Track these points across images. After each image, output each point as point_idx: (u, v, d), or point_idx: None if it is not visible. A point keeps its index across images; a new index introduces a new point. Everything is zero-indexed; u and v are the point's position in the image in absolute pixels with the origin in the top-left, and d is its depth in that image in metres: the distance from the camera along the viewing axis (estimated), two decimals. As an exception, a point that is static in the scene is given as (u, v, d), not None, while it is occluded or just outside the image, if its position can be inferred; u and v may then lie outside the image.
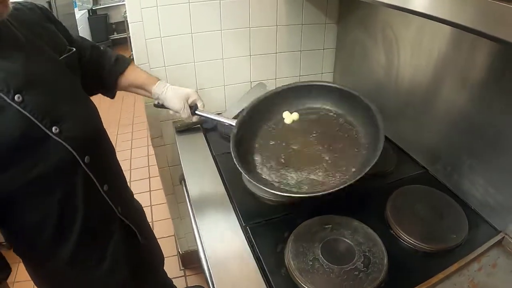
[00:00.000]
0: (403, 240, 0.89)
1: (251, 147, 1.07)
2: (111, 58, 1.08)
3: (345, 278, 0.77)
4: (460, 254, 0.86)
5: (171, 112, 1.12)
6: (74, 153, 0.79)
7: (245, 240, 0.91)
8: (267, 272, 0.82)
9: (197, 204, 1.04)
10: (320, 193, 0.86)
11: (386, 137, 1.31)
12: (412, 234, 0.88)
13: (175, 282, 1.76)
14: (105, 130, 1.00)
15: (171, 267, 2.11)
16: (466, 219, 0.94)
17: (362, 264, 0.80)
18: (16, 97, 0.70)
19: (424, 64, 1.09)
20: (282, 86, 1.15)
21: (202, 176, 1.15)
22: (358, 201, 1.04)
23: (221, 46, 1.40)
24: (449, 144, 1.07)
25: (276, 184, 0.95)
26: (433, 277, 0.78)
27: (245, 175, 0.93)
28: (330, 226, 0.91)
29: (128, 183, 2.85)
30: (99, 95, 1.12)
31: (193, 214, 1.03)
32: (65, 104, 0.81)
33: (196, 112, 1.12)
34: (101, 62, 1.06)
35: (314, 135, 1.07)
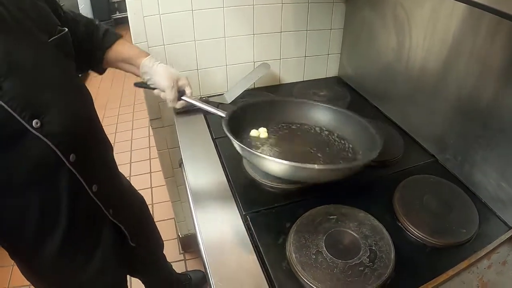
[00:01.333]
0: (411, 234, 0.84)
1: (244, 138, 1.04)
2: (100, 32, 1.00)
3: (350, 273, 0.73)
4: (470, 250, 0.82)
5: (155, 91, 1.02)
6: (57, 151, 0.72)
7: (245, 230, 0.86)
8: (267, 264, 0.78)
9: (195, 190, 1.00)
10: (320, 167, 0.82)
11: (393, 123, 1.28)
12: (421, 227, 0.84)
13: (174, 265, 1.75)
14: (99, 123, 0.93)
15: (171, 251, 2.09)
16: (477, 212, 0.90)
17: (368, 259, 0.76)
18: None
19: (437, 47, 1.03)
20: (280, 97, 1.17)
21: (201, 160, 1.11)
22: (364, 190, 1.00)
23: (223, 24, 1.34)
24: (461, 132, 1.01)
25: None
26: (442, 274, 0.74)
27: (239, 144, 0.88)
28: (335, 217, 0.86)
29: (129, 164, 2.84)
30: (98, 76, 1.06)
31: (191, 199, 0.99)
32: (51, 94, 0.72)
33: (183, 98, 1.02)
34: (91, 37, 0.99)
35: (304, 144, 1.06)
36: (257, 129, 1.08)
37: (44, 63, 0.74)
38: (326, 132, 1.11)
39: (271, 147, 1.04)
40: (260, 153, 0.86)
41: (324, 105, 1.13)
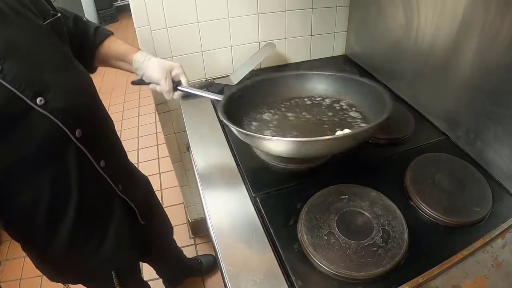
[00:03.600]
0: (424, 213, 0.83)
1: (239, 123, 1.00)
2: (91, 29, 0.98)
3: (363, 254, 0.72)
4: (484, 229, 0.80)
5: (150, 86, 1.00)
6: (63, 127, 0.72)
7: (255, 212, 0.85)
8: (278, 246, 0.77)
9: (203, 173, 0.99)
10: (328, 137, 0.76)
11: (403, 101, 1.25)
12: (434, 206, 0.82)
13: (184, 250, 1.77)
14: (100, 100, 0.92)
15: (181, 236, 2.11)
16: (490, 190, 0.88)
17: (381, 239, 0.75)
18: None
19: (447, 22, 1.00)
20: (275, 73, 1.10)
21: (208, 143, 1.09)
22: (375, 169, 0.98)
23: (226, 4, 1.30)
24: (472, 109, 0.99)
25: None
26: (456, 253, 0.73)
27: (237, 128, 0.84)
28: (347, 196, 0.85)
29: (136, 151, 2.86)
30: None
31: (200, 183, 0.98)
32: (52, 73, 0.72)
33: (179, 87, 0.99)
34: (82, 33, 0.97)
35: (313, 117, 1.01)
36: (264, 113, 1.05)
37: (42, 44, 0.74)
38: (331, 101, 1.07)
39: (279, 127, 1.00)
40: (268, 135, 0.84)
41: (325, 73, 1.09)
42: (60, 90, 0.72)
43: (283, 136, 0.93)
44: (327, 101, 1.07)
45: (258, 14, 1.36)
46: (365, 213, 0.81)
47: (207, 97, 0.98)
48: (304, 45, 1.53)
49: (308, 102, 1.08)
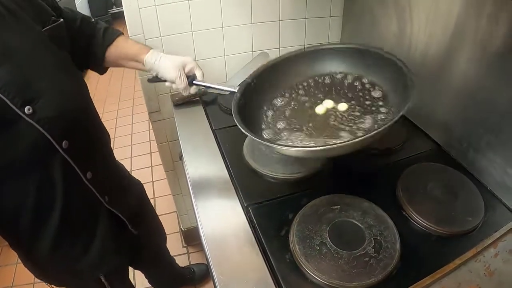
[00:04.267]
0: (416, 223, 0.83)
1: (256, 114, 0.97)
2: (100, 30, 0.98)
3: (355, 264, 0.72)
4: (477, 238, 0.80)
5: (166, 84, 1.01)
6: (49, 137, 0.71)
7: (247, 222, 0.85)
8: (270, 256, 0.77)
9: (196, 182, 0.98)
10: (339, 144, 0.71)
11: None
12: (426, 216, 0.82)
13: (177, 259, 1.75)
14: (94, 110, 0.92)
15: (174, 244, 2.09)
16: (482, 200, 0.88)
17: (373, 249, 0.74)
18: None
19: (440, 31, 1.00)
20: (289, 53, 1.03)
21: (201, 152, 1.09)
22: (367, 179, 0.98)
23: (220, 14, 1.31)
24: (465, 118, 0.99)
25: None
26: (449, 263, 0.73)
27: (251, 136, 0.81)
28: (339, 207, 0.85)
29: (129, 159, 2.84)
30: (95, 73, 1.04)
31: (192, 193, 0.97)
32: (43, 80, 0.72)
33: (194, 82, 1.01)
34: (90, 34, 0.96)
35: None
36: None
37: (38, 51, 0.74)
38: (353, 78, 1.00)
39: (295, 118, 0.94)
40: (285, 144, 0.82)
41: (340, 46, 1.03)
42: (51, 98, 0.72)
43: (297, 131, 0.90)
44: (349, 78, 1.00)
45: (252, 23, 1.37)
46: (357, 223, 0.81)
47: (223, 90, 0.99)
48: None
49: (328, 81, 1.02)
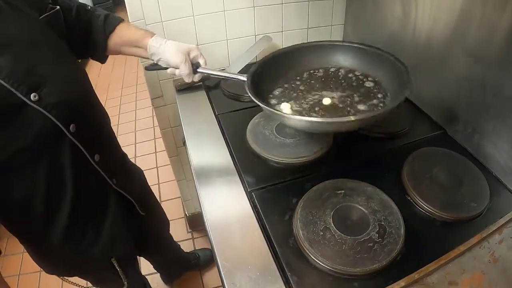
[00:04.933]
0: (421, 208, 0.82)
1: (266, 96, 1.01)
2: (99, 17, 0.96)
3: (359, 250, 0.71)
4: (482, 224, 0.79)
5: (168, 70, 0.99)
6: (57, 122, 0.72)
7: (250, 207, 0.85)
8: (274, 242, 0.76)
9: (199, 168, 0.98)
10: (348, 119, 0.78)
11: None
12: (431, 201, 0.82)
13: (182, 244, 1.76)
14: (95, 94, 0.91)
15: (178, 230, 2.10)
16: (487, 185, 0.87)
17: (377, 235, 0.74)
18: None
19: (445, 14, 0.98)
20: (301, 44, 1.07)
21: (204, 138, 1.08)
22: (372, 164, 0.97)
23: (222, -3, 1.29)
24: (470, 103, 0.98)
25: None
26: (453, 249, 0.72)
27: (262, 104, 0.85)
28: (343, 191, 0.84)
29: (133, 145, 2.85)
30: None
31: (196, 179, 0.97)
32: (46, 67, 0.72)
33: (199, 70, 0.99)
34: (89, 22, 0.95)
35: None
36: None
37: (36, 39, 0.73)
38: (345, 71, 1.08)
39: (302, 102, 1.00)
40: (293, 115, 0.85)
41: (347, 44, 1.09)
42: (54, 84, 0.72)
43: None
44: (342, 71, 1.08)
45: (254, 7, 1.34)
46: (361, 208, 0.80)
47: (229, 78, 0.98)
48: (301, 38, 1.51)
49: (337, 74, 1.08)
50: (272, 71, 1.04)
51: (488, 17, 0.85)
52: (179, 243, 1.72)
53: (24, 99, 0.66)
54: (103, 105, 0.96)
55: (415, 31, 1.11)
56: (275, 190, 0.90)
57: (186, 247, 1.93)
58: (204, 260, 1.89)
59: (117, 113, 3.23)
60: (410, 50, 1.16)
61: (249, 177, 0.93)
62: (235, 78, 0.97)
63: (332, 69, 1.09)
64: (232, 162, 0.99)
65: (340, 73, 1.07)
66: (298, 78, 1.08)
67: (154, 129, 2.98)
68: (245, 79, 0.94)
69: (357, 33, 1.48)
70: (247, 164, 0.98)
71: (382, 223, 0.76)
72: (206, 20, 1.32)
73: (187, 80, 0.99)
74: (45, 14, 0.77)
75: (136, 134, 2.94)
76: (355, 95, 0.99)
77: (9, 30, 0.67)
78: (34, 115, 0.68)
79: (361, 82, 1.03)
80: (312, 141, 1.00)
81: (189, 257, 1.85)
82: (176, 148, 1.64)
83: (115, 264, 1.00)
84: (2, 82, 0.63)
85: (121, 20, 0.99)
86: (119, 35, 0.98)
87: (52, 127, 0.72)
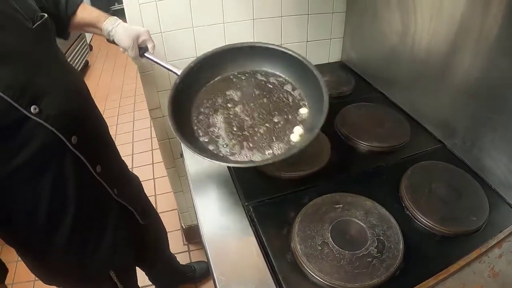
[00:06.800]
0: (420, 222, 0.82)
1: (191, 107, 0.98)
2: (62, 1, 0.98)
3: (357, 265, 0.70)
4: (481, 238, 0.79)
5: (121, 49, 1.03)
6: (59, 134, 0.72)
7: (247, 220, 0.84)
8: (271, 256, 0.75)
9: (196, 180, 0.98)
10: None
11: (399, 108, 1.24)
12: (430, 216, 0.81)
13: (178, 257, 1.74)
14: (95, 104, 0.92)
15: (175, 242, 2.08)
16: (487, 199, 0.87)
17: (376, 249, 0.73)
18: None
19: (444, 28, 0.99)
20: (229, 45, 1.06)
21: (201, 150, 1.08)
22: (370, 178, 0.97)
23: (221, 9, 1.29)
24: (469, 116, 0.98)
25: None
26: (453, 264, 0.71)
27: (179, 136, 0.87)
28: (341, 205, 0.84)
29: (131, 156, 2.82)
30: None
31: (193, 191, 0.96)
32: (44, 78, 0.72)
33: (145, 54, 1.03)
34: (55, 5, 0.96)
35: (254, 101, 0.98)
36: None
37: (33, 49, 0.73)
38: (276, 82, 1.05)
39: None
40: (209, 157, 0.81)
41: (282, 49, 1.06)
42: (54, 95, 0.72)
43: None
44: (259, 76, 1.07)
45: (253, 19, 1.35)
46: (359, 222, 0.80)
47: (167, 68, 0.99)
48: (300, 51, 1.49)
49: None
50: (210, 67, 1.04)
51: (487, 30, 0.86)
52: (175, 255, 1.70)
53: (25, 112, 0.66)
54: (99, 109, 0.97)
55: (414, 45, 1.12)
56: (272, 203, 0.89)
57: (182, 259, 1.91)
58: (200, 273, 1.87)
59: (115, 123, 3.22)
60: (409, 64, 1.16)
61: (246, 190, 0.92)
62: (172, 70, 0.98)
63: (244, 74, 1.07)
64: (229, 175, 0.98)
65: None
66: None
67: (151, 140, 2.96)
68: (178, 73, 0.96)
69: (356, 47, 1.49)
70: (244, 177, 0.97)
71: (381, 237, 0.76)
72: (205, 31, 1.32)
73: (134, 62, 1.05)
74: (38, 23, 0.77)
75: (134, 145, 2.93)
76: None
77: (7, 42, 0.67)
78: (35, 128, 0.68)
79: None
80: (310, 154, 1.00)
81: (185, 269, 1.83)
82: (174, 160, 1.63)
83: (113, 277, 1.00)
84: (2, 95, 0.63)
85: (80, 2, 1.02)
86: (79, 17, 1.01)
87: (54, 139, 0.72)
